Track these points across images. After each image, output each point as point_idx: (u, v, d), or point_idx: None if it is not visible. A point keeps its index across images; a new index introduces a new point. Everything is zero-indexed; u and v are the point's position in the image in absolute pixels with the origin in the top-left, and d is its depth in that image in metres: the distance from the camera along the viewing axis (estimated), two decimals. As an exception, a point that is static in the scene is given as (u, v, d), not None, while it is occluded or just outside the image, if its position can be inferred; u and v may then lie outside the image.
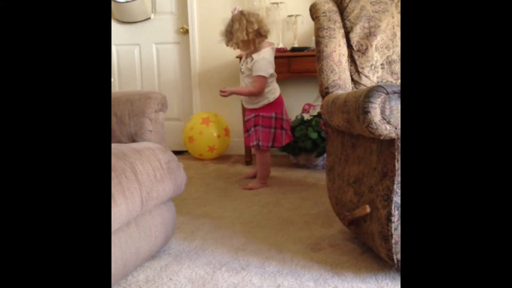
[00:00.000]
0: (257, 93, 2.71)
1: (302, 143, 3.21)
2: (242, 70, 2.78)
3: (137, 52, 4.16)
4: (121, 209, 1.40)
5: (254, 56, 2.68)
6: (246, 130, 2.88)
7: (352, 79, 2.00)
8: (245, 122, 2.90)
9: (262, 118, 2.75)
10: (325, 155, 3.11)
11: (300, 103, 3.62)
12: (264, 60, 2.66)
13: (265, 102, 2.75)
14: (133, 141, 1.83)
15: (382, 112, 1.42)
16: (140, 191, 1.50)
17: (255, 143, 2.77)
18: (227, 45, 2.73)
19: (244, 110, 3.01)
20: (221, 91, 2.74)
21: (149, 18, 4.07)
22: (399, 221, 1.44)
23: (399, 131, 1.42)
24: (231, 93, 2.76)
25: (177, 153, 3.92)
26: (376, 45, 1.99)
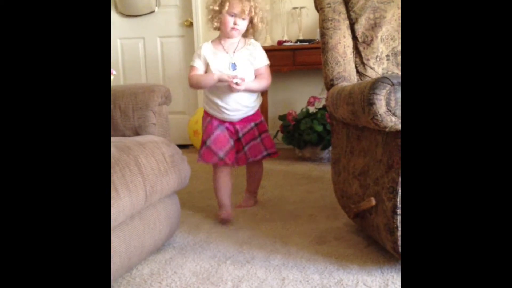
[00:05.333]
0: (269, 86, 2.16)
1: (308, 136, 3.20)
2: (233, 63, 2.04)
3: (141, 45, 4.15)
4: (124, 203, 1.39)
5: (252, 42, 2.12)
6: (241, 148, 2.16)
7: (357, 71, 1.98)
8: (235, 140, 2.15)
9: (262, 124, 2.18)
10: (330, 148, 3.10)
11: (305, 96, 3.61)
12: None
13: (258, 102, 2.17)
14: (137, 134, 1.82)
15: (387, 104, 1.40)
16: (144, 184, 1.49)
17: (264, 153, 2.17)
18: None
19: (215, 126, 2.13)
20: (234, 83, 1.95)
21: (153, 11, 4.06)
22: (405, 214, 1.43)
23: (404, 123, 1.41)
24: (246, 89, 2.02)
25: (182, 146, 3.92)
26: (381, 36, 1.97)
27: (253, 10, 1.97)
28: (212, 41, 2.09)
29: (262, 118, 2.20)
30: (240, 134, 2.12)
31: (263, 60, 2.11)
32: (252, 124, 2.14)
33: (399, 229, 1.44)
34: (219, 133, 2.09)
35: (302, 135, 3.24)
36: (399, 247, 1.46)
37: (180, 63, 4.10)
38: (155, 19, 4.08)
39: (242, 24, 2.00)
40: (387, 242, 1.51)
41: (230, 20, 1.98)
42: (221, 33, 2.07)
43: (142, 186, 1.48)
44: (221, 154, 2.07)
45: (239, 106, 2.07)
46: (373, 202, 1.56)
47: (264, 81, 2.09)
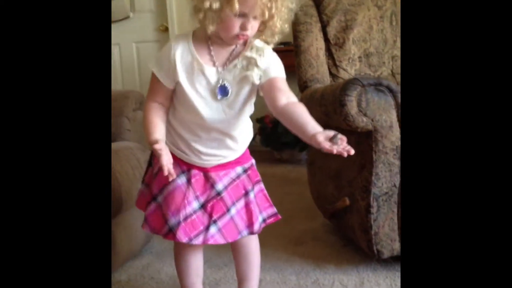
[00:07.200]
0: None
1: (285, 138, 3.22)
2: (221, 86, 1.18)
3: (117, 51, 4.13)
4: (99, 209, 1.38)
5: (257, 44, 1.19)
6: (224, 210, 1.24)
7: (330, 73, 2.00)
8: (207, 198, 1.24)
9: (253, 170, 1.32)
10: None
11: (282, 98, 3.62)
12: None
13: (250, 136, 1.33)
14: (112, 141, 1.81)
15: (359, 105, 1.43)
16: (119, 190, 1.49)
17: (260, 219, 1.32)
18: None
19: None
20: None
21: (128, 17, 4.04)
22: (378, 213, 1.45)
23: (376, 123, 1.43)
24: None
25: (160, 152, 3.90)
26: (353, 38, 2.00)
27: (274, 7, 1.10)
28: (193, 39, 1.18)
29: (253, 161, 1.32)
30: (220, 186, 1.24)
31: (282, 70, 1.20)
32: (239, 169, 1.28)
33: (373, 227, 1.46)
34: (178, 185, 1.23)
35: (280, 137, 3.26)
36: (374, 246, 1.48)
37: (157, 68, 4.09)
38: (130, 24, 4.06)
39: (254, 28, 1.14)
40: (362, 241, 1.53)
41: (236, 23, 1.10)
42: (212, 33, 1.15)
43: (117, 193, 1.48)
44: (173, 221, 1.21)
45: (222, 149, 1.24)
46: (347, 202, 1.58)
47: (301, 104, 1.17)
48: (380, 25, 2.03)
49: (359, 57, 2.02)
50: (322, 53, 2.00)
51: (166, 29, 3.96)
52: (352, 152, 1.01)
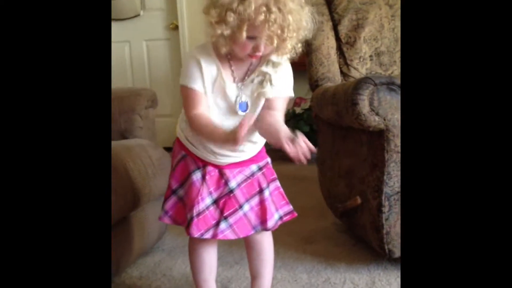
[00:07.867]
0: None
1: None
2: (242, 102, 1.23)
3: (127, 49, 4.15)
4: (113, 207, 1.40)
5: (274, 60, 1.21)
6: (236, 207, 1.27)
7: (341, 72, 2.00)
8: (221, 194, 1.27)
9: (268, 168, 1.37)
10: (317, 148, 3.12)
11: (291, 96, 3.62)
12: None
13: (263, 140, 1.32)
14: (124, 138, 1.83)
15: (371, 104, 1.43)
16: (131, 188, 1.50)
17: (276, 216, 1.33)
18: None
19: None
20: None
21: (138, 15, 4.06)
22: (390, 212, 1.45)
23: (388, 122, 1.43)
24: None
25: (169, 149, 3.90)
26: (364, 37, 2.00)
27: (286, 32, 1.10)
28: (218, 54, 1.19)
29: (268, 159, 1.38)
30: (233, 184, 1.27)
31: (285, 90, 1.24)
32: (254, 167, 1.32)
33: (384, 226, 1.46)
34: (193, 181, 1.26)
35: (289, 135, 3.26)
36: (385, 245, 1.48)
37: (167, 66, 4.11)
38: (141, 22, 4.07)
39: (267, 50, 1.16)
40: (373, 240, 1.54)
41: (248, 46, 1.13)
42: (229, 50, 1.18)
43: (130, 190, 1.49)
44: (188, 216, 1.26)
45: (237, 151, 1.25)
46: (359, 201, 1.58)
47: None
48: (391, 24, 2.03)
49: (370, 56, 2.02)
50: (333, 51, 2.00)
51: (176, 27, 3.97)
52: (304, 160, 1.03)
